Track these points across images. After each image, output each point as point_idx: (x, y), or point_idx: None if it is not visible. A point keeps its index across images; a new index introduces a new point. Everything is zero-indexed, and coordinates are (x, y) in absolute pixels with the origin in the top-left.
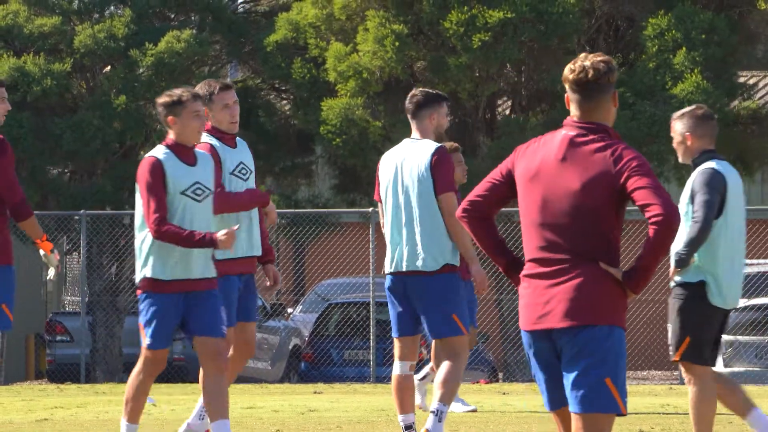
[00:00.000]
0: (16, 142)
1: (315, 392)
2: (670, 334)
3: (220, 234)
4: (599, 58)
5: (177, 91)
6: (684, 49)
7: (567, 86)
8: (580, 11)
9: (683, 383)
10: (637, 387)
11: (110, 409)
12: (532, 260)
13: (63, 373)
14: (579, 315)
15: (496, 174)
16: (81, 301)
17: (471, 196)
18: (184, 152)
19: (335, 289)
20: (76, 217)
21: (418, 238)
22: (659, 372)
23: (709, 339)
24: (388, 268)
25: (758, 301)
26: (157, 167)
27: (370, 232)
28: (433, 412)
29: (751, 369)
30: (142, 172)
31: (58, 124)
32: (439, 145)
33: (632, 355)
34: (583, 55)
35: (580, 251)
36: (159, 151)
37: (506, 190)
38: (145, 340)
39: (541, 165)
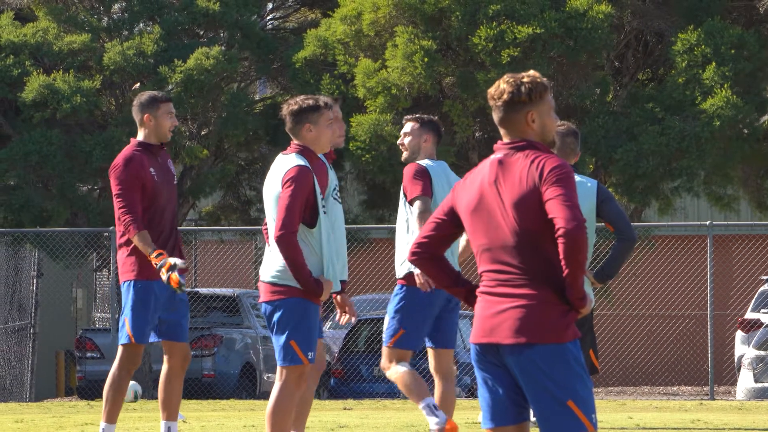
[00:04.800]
0: (46, 159)
1: (345, 408)
2: None
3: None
4: (513, 79)
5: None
6: (713, 64)
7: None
8: (609, 27)
9: (714, 399)
10: (667, 402)
11: (140, 425)
12: (484, 280)
13: (93, 389)
14: (526, 333)
15: (439, 213)
16: (111, 317)
17: (418, 238)
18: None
19: (364, 305)
20: (106, 234)
21: None
22: (689, 387)
23: None
24: None
25: None
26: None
27: None
28: None
29: None
30: None
31: (88, 141)
32: None
33: (662, 371)
34: (506, 75)
35: (527, 269)
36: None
37: (451, 227)
38: None
39: (480, 193)
